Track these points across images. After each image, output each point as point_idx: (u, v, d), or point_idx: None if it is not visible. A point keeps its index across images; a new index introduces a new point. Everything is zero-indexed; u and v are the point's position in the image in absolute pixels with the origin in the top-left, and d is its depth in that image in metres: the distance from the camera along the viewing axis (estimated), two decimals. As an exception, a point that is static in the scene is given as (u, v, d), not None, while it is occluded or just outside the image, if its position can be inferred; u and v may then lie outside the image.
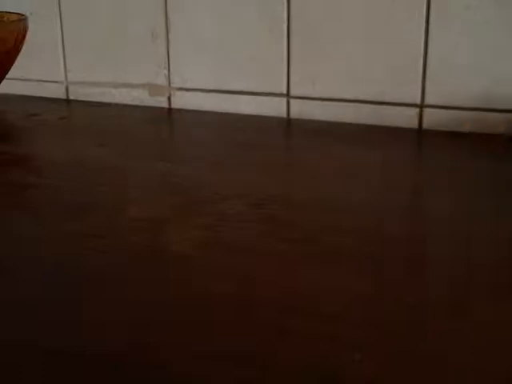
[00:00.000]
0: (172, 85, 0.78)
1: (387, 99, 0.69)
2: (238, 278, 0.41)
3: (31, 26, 0.74)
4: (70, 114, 0.80)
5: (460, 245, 0.44)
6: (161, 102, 0.79)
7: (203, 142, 0.67)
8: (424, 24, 0.65)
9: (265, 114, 0.74)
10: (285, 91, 0.73)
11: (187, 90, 0.77)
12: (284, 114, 0.73)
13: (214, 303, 0.38)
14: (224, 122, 0.73)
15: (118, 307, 0.38)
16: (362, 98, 0.70)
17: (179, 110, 0.78)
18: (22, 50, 0.73)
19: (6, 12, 0.74)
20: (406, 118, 0.68)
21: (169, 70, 0.77)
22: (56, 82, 0.83)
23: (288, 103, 0.73)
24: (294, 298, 0.39)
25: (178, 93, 0.78)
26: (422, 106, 0.68)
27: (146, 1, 0.76)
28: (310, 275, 0.41)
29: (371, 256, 0.43)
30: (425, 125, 0.68)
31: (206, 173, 0.58)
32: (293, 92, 0.73)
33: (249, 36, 0.73)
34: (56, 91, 0.84)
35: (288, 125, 0.73)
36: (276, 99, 0.73)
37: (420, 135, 0.67)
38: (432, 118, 0.67)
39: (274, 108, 0.74)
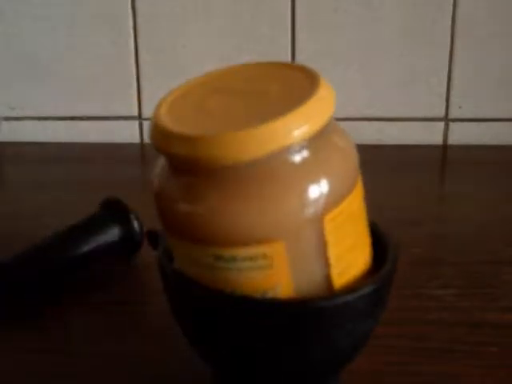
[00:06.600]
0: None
1: (407, 114, 0.66)
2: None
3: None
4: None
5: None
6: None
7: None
8: (449, 41, 0.63)
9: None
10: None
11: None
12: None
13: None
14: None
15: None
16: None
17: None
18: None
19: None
20: (429, 133, 0.66)
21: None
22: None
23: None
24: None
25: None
26: (446, 120, 0.65)
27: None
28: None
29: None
30: (450, 140, 0.65)
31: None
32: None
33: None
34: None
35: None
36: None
37: (445, 150, 0.65)
38: (457, 132, 0.65)
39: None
